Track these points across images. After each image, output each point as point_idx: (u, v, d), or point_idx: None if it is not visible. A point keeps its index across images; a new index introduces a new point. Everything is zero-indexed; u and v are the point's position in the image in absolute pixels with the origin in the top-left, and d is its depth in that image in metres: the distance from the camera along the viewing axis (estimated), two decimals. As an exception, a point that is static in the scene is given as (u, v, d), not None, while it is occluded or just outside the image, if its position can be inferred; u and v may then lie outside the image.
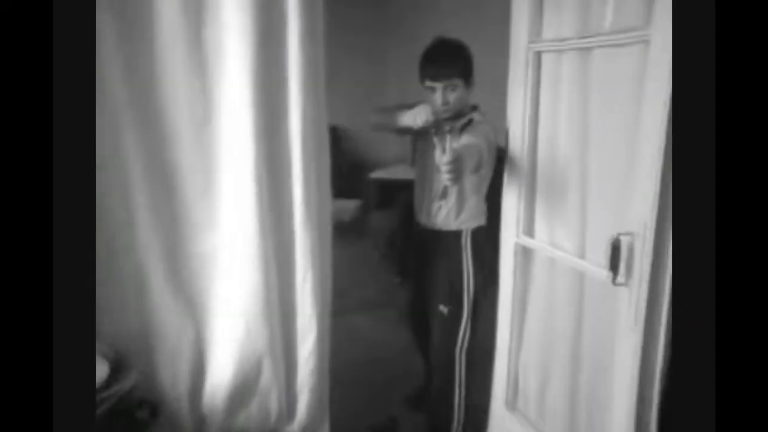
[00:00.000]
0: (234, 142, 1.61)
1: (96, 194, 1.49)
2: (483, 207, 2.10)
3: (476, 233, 2.07)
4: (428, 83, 1.94)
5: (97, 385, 1.28)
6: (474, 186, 2.03)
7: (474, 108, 2.05)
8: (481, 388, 2.10)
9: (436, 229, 2.09)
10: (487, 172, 1.98)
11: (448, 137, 1.63)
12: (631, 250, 1.37)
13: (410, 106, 1.96)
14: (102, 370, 1.32)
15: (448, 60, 1.94)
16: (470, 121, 1.99)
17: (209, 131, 1.60)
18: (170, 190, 1.62)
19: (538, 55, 1.74)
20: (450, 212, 2.05)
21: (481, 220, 2.09)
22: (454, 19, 4.39)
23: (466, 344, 2.09)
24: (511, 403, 1.97)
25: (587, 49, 1.56)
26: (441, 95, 1.91)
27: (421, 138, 2.08)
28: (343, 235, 4.88)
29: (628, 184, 1.43)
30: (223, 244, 1.67)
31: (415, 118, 1.88)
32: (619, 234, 1.37)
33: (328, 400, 1.91)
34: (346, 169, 5.19)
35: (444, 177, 1.58)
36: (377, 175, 4.79)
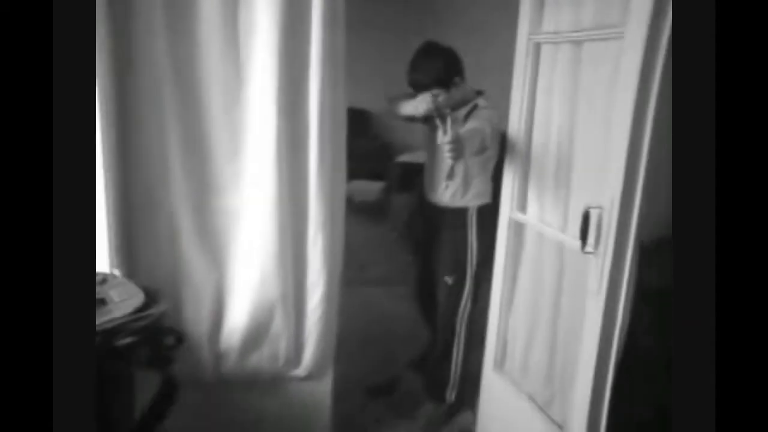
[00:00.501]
0: (260, 113, 1.82)
1: (135, 147, 1.74)
2: (489, 186, 2.26)
3: (481, 210, 2.23)
4: (411, 91, 2.14)
5: (133, 309, 1.52)
6: (479, 166, 2.19)
7: (479, 93, 2.21)
8: (478, 354, 2.29)
9: (443, 206, 2.27)
10: (492, 153, 2.13)
11: (448, 119, 1.78)
12: (599, 221, 1.53)
13: (414, 95, 2.14)
14: (138, 298, 1.56)
15: (426, 71, 2.08)
16: (474, 107, 2.15)
17: (239, 102, 1.82)
18: (202, 153, 1.85)
19: (538, 46, 1.90)
20: (456, 191, 2.23)
21: (486, 198, 2.25)
22: (475, 11, 4.56)
23: (467, 313, 2.28)
24: (500, 365, 2.16)
25: (578, 42, 1.72)
26: (430, 100, 2.05)
27: (429, 123, 2.23)
28: (367, 214, 5.13)
29: (605, 164, 1.59)
30: (246, 203, 1.89)
31: (417, 107, 2.06)
32: (590, 207, 1.54)
33: (334, 351, 2.12)
34: (375, 151, 5.40)
35: (446, 155, 1.76)
36: (403, 158, 4.97)
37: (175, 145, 1.81)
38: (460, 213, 2.24)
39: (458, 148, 1.75)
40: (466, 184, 2.22)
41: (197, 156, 1.85)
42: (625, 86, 1.44)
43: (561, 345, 1.85)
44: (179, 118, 1.81)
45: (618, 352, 1.56)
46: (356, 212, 4.65)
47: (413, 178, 4.57)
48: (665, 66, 1.40)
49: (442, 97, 2.06)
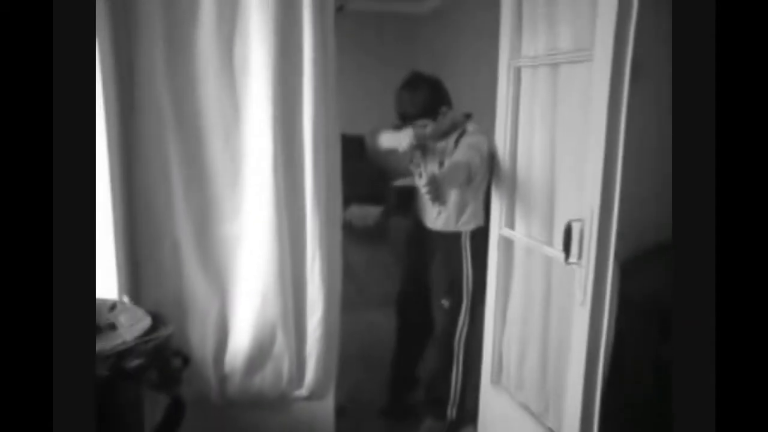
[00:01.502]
0: (257, 144, 1.92)
1: (141, 183, 1.83)
2: (481, 209, 2.30)
3: (475, 234, 2.28)
4: (399, 123, 2.18)
5: (142, 332, 1.59)
6: (471, 192, 2.23)
7: (468, 117, 2.30)
8: (476, 371, 2.34)
9: (437, 231, 2.32)
10: (482, 179, 2.15)
11: (422, 164, 1.86)
12: (581, 234, 1.62)
13: (400, 127, 2.17)
14: (146, 321, 1.64)
15: (413, 103, 2.13)
16: (463, 132, 2.20)
17: (236, 132, 1.93)
18: (203, 183, 1.94)
19: (518, 70, 2.01)
20: (449, 217, 2.28)
21: (479, 221, 2.30)
22: (461, 38, 4.73)
23: (464, 334, 2.33)
24: (496, 379, 2.22)
25: (555, 65, 1.83)
26: (412, 134, 2.08)
27: (416, 154, 2.24)
28: (366, 238, 5.20)
29: (584, 178, 1.68)
30: (246, 228, 1.98)
31: (400, 142, 2.08)
32: (571, 220, 1.63)
33: (336, 371, 2.19)
34: (371, 176, 5.51)
35: (426, 197, 1.80)
36: (400, 182, 5.06)
37: (178, 178, 1.91)
38: (454, 237, 2.29)
39: (435, 189, 1.78)
40: (458, 209, 2.26)
41: (198, 186, 1.95)
42: (598, 104, 1.54)
43: (552, 355, 1.91)
44: (180, 151, 1.91)
45: (606, 360, 1.63)
46: (356, 236, 4.72)
47: (410, 202, 4.67)
48: (631, 82, 1.49)
49: (429, 127, 2.13)
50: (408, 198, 4.76)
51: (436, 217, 2.31)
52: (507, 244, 2.12)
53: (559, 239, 1.82)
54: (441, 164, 2.18)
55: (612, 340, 1.65)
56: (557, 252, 1.76)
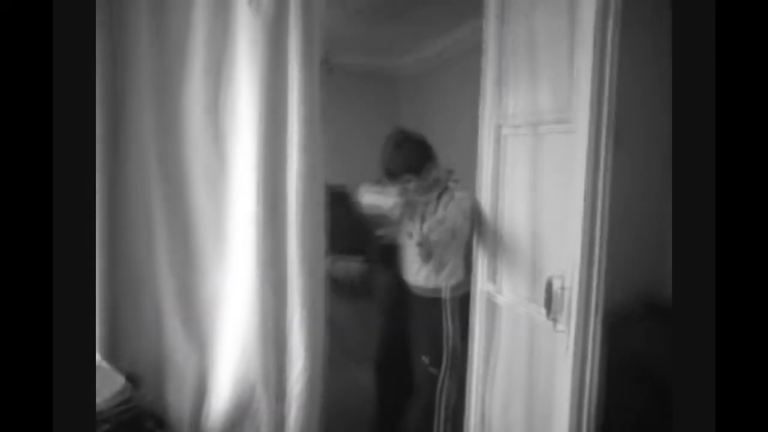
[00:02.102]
0: (241, 196, 1.93)
1: (123, 236, 1.81)
2: (461, 264, 2.29)
3: (455, 290, 2.26)
4: (385, 179, 2.21)
5: (113, 395, 1.54)
6: (452, 249, 2.22)
7: (450, 173, 2.32)
8: (458, 428, 2.29)
9: (419, 286, 2.31)
10: (463, 237, 2.15)
11: (410, 223, 1.83)
12: (562, 290, 1.62)
13: (385, 184, 2.21)
14: (118, 382, 1.59)
15: (398, 161, 2.15)
16: (446, 189, 2.22)
17: (221, 186, 1.93)
18: (186, 235, 1.94)
19: (499, 128, 2.06)
20: (430, 273, 2.27)
21: (459, 277, 2.28)
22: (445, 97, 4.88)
23: (446, 390, 2.26)
24: (480, 436, 2.17)
25: (536, 124, 1.88)
26: (399, 188, 2.14)
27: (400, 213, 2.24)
28: (350, 292, 5.15)
29: (566, 239, 1.70)
30: (228, 283, 1.96)
31: (386, 202, 2.13)
32: (552, 276, 1.63)
33: (317, 430, 2.12)
34: (354, 227, 5.51)
35: (412, 254, 1.81)
36: (381, 232, 5.06)
37: (161, 232, 1.90)
38: (435, 292, 2.27)
39: (427, 249, 1.83)
40: (440, 265, 2.25)
41: (181, 240, 1.94)
42: (578, 167, 1.58)
43: (537, 412, 1.88)
44: (164, 204, 1.91)
45: (591, 418, 1.60)
46: (339, 290, 4.68)
47: (394, 254, 4.67)
48: (613, 147, 1.54)
49: (412, 183, 2.14)
50: (391, 250, 4.80)
51: (416, 272, 2.31)
52: (490, 301, 2.11)
53: (542, 295, 1.83)
54: (422, 219, 2.18)
55: (597, 398, 1.62)
56: (540, 308, 1.76)
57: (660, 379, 1.76)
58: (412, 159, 2.17)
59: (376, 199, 2.23)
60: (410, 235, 1.79)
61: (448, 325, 2.25)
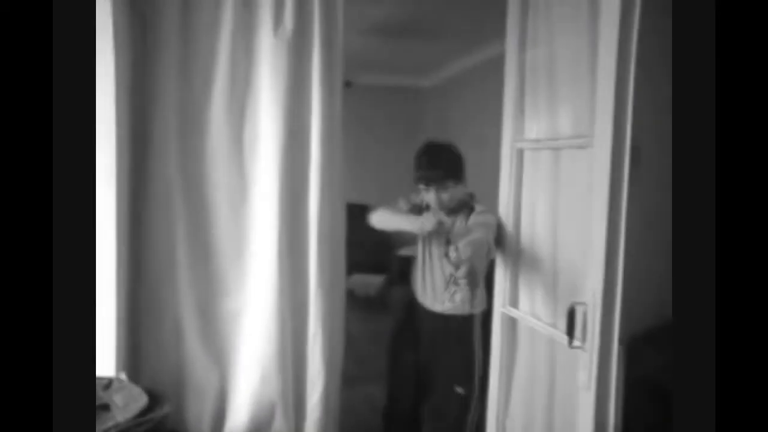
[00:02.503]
0: (263, 220, 1.95)
1: (146, 257, 1.85)
2: (485, 291, 2.19)
3: (484, 317, 2.19)
4: (422, 187, 2.11)
5: (137, 413, 1.56)
6: (482, 271, 2.06)
7: (471, 196, 2.28)
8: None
9: (449, 313, 2.16)
10: (491, 257, 2.06)
11: (458, 249, 1.72)
12: (584, 317, 1.61)
13: (418, 209, 2.16)
14: (141, 401, 1.61)
15: (438, 165, 2.09)
16: (471, 210, 2.16)
17: (242, 207, 1.96)
18: (207, 256, 1.96)
19: (521, 151, 2.06)
20: (465, 297, 2.05)
21: (485, 304, 2.20)
22: (467, 116, 4.88)
23: (476, 419, 2.22)
24: (501, 462, 2.14)
25: (556, 148, 1.87)
26: (435, 196, 2.08)
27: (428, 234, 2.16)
28: (368, 307, 5.16)
29: (586, 260, 1.68)
30: (248, 304, 1.98)
31: (423, 225, 1.98)
32: (574, 303, 1.62)
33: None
34: (375, 245, 5.54)
35: (463, 282, 1.72)
36: (403, 251, 5.09)
37: (182, 251, 1.93)
38: (466, 320, 2.18)
39: (474, 276, 1.72)
40: (474, 287, 2.04)
41: (203, 261, 1.97)
42: (599, 189, 1.57)
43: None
44: (187, 224, 1.94)
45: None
46: (357, 306, 4.68)
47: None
48: (631, 169, 1.53)
49: (446, 194, 2.08)
50: (410, 267, 4.79)
51: (449, 298, 2.06)
52: (511, 323, 2.10)
53: (562, 320, 1.81)
54: (448, 242, 2.11)
55: (620, 424, 1.60)
56: (560, 333, 1.75)
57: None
58: (451, 165, 2.13)
59: (404, 223, 2.11)
60: (446, 255, 1.71)
61: (479, 354, 2.20)
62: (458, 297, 2.05)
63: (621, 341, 1.60)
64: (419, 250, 2.28)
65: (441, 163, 2.11)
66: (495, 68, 4.85)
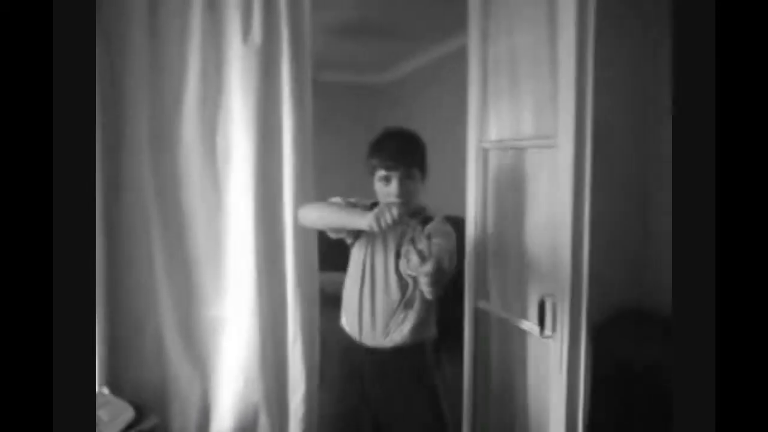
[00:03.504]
0: (238, 226, 1.98)
1: (125, 265, 1.85)
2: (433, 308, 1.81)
3: (438, 340, 1.80)
4: (383, 173, 1.66)
5: (125, 425, 1.58)
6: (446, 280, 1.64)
7: (424, 209, 1.83)
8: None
9: (394, 348, 1.69)
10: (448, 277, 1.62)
11: (426, 241, 1.36)
12: (554, 308, 1.71)
13: (364, 206, 1.74)
14: (128, 414, 1.62)
15: (404, 149, 1.70)
16: (428, 219, 1.75)
17: (219, 217, 1.98)
18: (186, 265, 1.98)
19: (486, 151, 2.14)
20: (418, 323, 1.71)
21: (435, 329, 1.81)
22: (428, 113, 4.98)
23: None
24: (477, 450, 2.23)
25: (521, 148, 1.97)
26: (398, 186, 1.64)
27: (364, 237, 1.78)
28: (332, 305, 5.21)
29: (554, 254, 1.78)
30: (228, 311, 2.00)
31: (378, 220, 1.44)
32: (544, 295, 1.72)
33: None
34: (334, 243, 5.57)
35: (425, 290, 1.37)
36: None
37: (160, 262, 1.94)
38: (419, 351, 1.73)
39: (441, 278, 1.36)
40: (428, 312, 1.74)
41: (181, 269, 1.98)
42: (563, 186, 1.67)
43: (533, 423, 1.96)
44: (163, 234, 1.95)
45: (584, 422, 1.69)
46: (327, 303, 4.72)
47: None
48: (594, 163, 1.63)
49: (412, 184, 1.68)
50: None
51: (396, 327, 1.69)
52: (482, 316, 2.19)
53: (532, 311, 1.91)
54: (397, 254, 1.70)
55: (588, 403, 1.71)
56: (531, 324, 1.85)
57: (644, 380, 1.85)
58: (418, 152, 1.75)
59: (340, 217, 1.66)
60: (424, 258, 1.32)
61: (442, 388, 1.77)
62: (407, 324, 1.70)
63: (589, 328, 1.71)
64: (354, 264, 1.81)
65: (407, 147, 1.72)
66: (451, 64, 4.97)
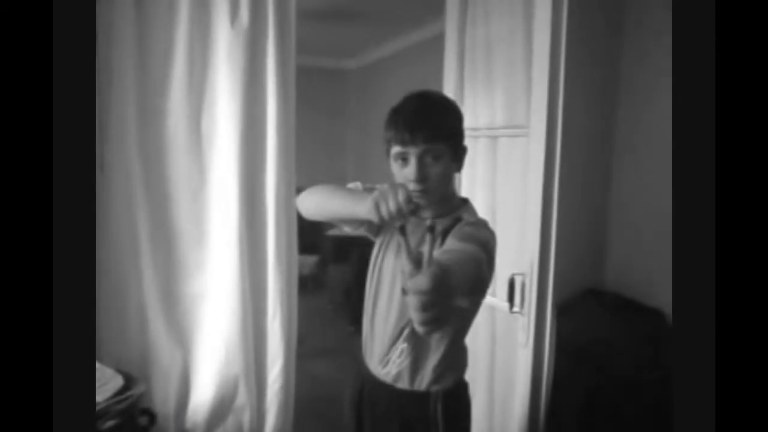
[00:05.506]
0: (222, 204, 2.03)
1: (107, 242, 1.88)
2: (464, 350, 1.42)
3: (451, 395, 1.32)
4: (398, 149, 1.21)
5: (114, 393, 1.63)
6: (457, 319, 1.31)
7: (464, 201, 1.40)
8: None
9: (391, 386, 1.32)
10: (479, 299, 1.32)
11: (428, 238, 0.91)
12: (523, 286, 1.84)
13: (368, 189, 1.24)
14: (116, 381, 1.67)
15: (430, 117, 1.21)
16: (457, 221, 1.26)
17: (203, 195, 2.03)
18: (169, 241, 2.02)
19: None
20: (417, 361, 1.29)
21: (460, 372, 1.38)
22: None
23: None
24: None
25: (494, 137, 2.08)
26: (416, 167, 1.19)
27: (385, 233, 1.39)
28: (304, 287, 5.30)
29: (523, 236, 1.91)
30: (210, 285, 2.06)
31: (379, 206, 1.04)
32: (514, 274, 1.85)
33: (292, 422, 2.26)
34: (307, 226, 5.63)
35: (413, 318, 0.83)
36: (333, 232, 5.23)
37: (144, 236, 1.97)
38: (418, 401, 1.30)
39: (440, 304, 0.82)
40: (434, 349, 1.29)
41: (164, 244, 2.02)
42: (535, 175, 1.80)
43: (498, 397, 2.10)
44: (147, 210, 1.98)
45: (547, 395, 1.83)
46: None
47: (347, 250, 4.83)
48: (563, 150, 1.76)
49: (437, 167, 1.20)
50: (343, 247, 4.95)
51: (393, 360, 1.31)
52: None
53: (500, 290, 2.05)
54: (418, 263, 0.93)
55: (551, 377, 1.85)
56: (500, 301, 1.98)
57: (599, 355, 2.01)
58: (452, 124, 1.27)
59: (340, 202, 1.25)
60: (418, 264, 0.89)
61: None
62: (404, 360, 1.29)
63: (553, 304, 1.86)
64: (369, 267, 1.42)
65: (432, 115, 1.22)
66: (420, 52, 5.03)
